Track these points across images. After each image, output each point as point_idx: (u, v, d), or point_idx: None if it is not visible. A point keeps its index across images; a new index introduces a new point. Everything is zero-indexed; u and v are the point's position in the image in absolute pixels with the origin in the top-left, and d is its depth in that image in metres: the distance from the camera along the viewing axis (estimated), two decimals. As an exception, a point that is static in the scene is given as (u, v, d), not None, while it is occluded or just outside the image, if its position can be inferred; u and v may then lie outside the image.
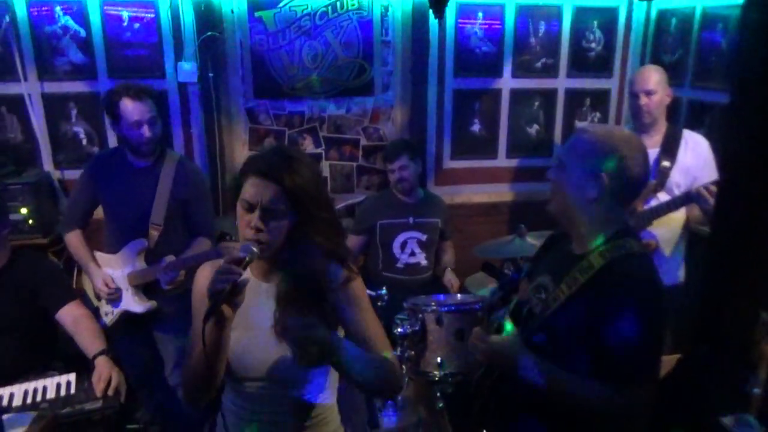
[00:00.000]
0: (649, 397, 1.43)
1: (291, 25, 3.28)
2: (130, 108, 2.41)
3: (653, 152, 2.62)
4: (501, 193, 3.72)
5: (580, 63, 3.60)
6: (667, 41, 3.38)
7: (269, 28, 3.27)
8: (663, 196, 2.55)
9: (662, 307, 1.45)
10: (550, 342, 1.55)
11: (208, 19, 3.20)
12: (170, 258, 2.52)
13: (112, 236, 2.61)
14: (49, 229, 3.11)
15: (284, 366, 1.40)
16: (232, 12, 3.24)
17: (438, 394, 2.39)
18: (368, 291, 2.49)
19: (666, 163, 2.55)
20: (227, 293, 1.25)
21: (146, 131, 2.44)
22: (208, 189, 2.76)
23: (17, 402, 2.04)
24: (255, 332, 1.44)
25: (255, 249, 1.32)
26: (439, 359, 2.37)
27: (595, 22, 3.55)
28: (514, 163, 3.72)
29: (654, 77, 2.59)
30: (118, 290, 2.56)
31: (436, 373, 2.38)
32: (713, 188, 2.34)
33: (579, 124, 3.71)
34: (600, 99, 3.70)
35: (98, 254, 2.62)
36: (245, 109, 3.41)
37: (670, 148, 2.57)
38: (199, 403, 1.46)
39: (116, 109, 2.43)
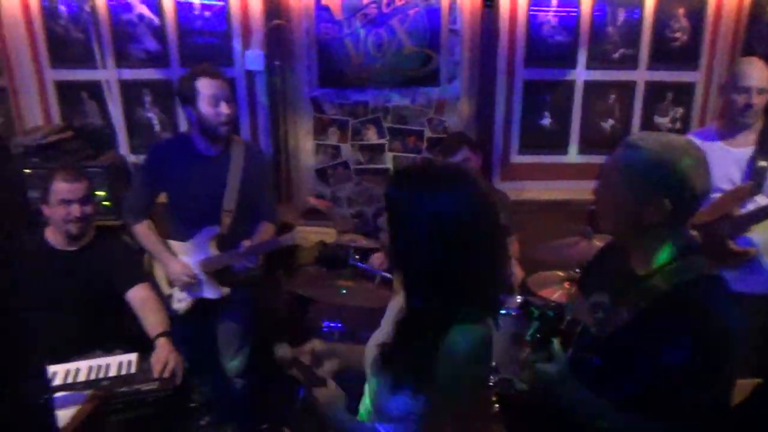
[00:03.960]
0: None
1: (357, 13, 3.24)
2: (208, 83, 2.40)
3: (747, 151, 2.41)
4: (570, 190, 3.54)
5: (663, 54, 3.35)
6: (762, 31, 3.09)
7: (336, 16, 3.25)
8: (761, 199, 2.34)
9: (736, 338, 1.29)
10: (605, 365, 1.44)
11: (275, 8, 3.20)
12: (247, 243, 2.49)
13: (180, 224, 2.61)
14: (123, 211, 3.22)
15: (374, 390, 1.40)
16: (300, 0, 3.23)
17: (493, 398, 2.31)
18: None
19: (763, 163, 2.34)
20: None
21: (224, 108, 2.42)
22: (271, 173, 2.75)
23: (82, 377, 2.12)
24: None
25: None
26: (493, 363, 2.29)
27: (681, 10, 3.30)
28: (585, 159, 3.54)
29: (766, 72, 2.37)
30: (197, 277, 2.57)
31: (490, 377, 2.30)
32: None
33: (658, 119, 3.48)
34: (683, 93, 3.44)
35: (170, 242, 2.64)
36: (310, 98, 3.41)
37: (767, 146, 2.35)
38: None
39: (192, 90, 2.41)
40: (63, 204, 2.36)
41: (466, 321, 1.25)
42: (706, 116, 3.47)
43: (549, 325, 1.47)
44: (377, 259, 2.78)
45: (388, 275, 2.56)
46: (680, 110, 3.47)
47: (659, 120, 3.48)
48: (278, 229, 2.87)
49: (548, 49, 3.32)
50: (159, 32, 3.25)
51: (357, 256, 2.45)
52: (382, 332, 1.47)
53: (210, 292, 2.60)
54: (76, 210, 2.36)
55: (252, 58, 3.27)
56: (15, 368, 1.13)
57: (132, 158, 3.45)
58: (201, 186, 2.54)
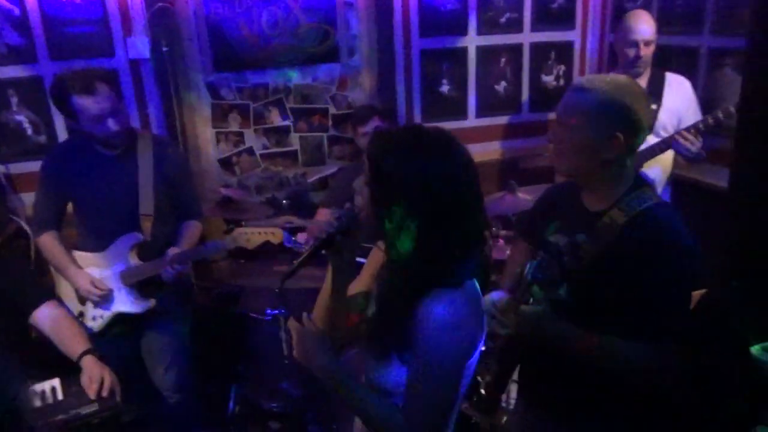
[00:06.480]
0: (683, 349, 1.41)
1: (248, -10, 3.09)
2: (85, 103, 2.11)
3: None
4: (474, 153, 3.64)
5: (544, 16, 3.57)
6: (630, -12, 3.39)
7: (224, -6, 3.07)
8: (651, 139, 2.57)
9: (696, 254, 1.42)
10: (576, 303, 1.51)
11: (157, -11, 2.97)
12: (174, 250, 2.29)
13: (91, 234, 2.36)
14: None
15: (366, 370, 1.35)
16: (183, -21, 3.02)
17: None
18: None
19: (653, 106, 2.56)
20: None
21: (112, 124, 2.16)
22: (190, 166, 2.56)
23: (2, 416, 1.87)
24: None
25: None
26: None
27: (556, -27, 3.52)
28: (484, 122, 3.68)
29: (651, 25, 2.60)
30: (109, 290, 2.34)
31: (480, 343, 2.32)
32: (688, 135, 2.41)
33: (545, 77, 3.70)
34: (564, 51, 3.69)
35: (78, 254, 2.38)
36: (205, 84, 3.21)
37: (655, 91, 2.59)
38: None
39: (69, 106, 2.14)
40: None
41: (446, 285, 1.24)
42: (585, 71, 3.75)
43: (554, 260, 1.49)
44: (304, 237, 2.72)
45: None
46: (562, 67, 3.71)
47: (545, 78, 3.71)
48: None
49: (441, 17, 3.39)
50: (21, 24, 2.88)
51: (294, 238, 2.35)
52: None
53: (131, 306, 2.37)
54: None
55: (135, 45, 3.01)
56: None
57: (2, 168, 3.06)
58: (108, 190, 2.30)
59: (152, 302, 2.38)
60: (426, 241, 1.22)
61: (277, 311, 2.38)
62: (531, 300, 1.46)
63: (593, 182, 1.52)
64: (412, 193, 1.20)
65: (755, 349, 1.57)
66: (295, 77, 3.30)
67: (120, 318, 2.38)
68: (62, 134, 3.07)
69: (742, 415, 1.51)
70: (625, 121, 1.42)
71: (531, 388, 1.77)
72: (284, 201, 3.19)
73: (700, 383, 1.49)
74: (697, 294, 1.60)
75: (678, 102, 2.59)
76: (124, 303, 2.36)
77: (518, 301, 1.46)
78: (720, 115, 2.35)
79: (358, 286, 1.48)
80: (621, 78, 1.51)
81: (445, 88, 3.55)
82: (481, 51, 3.53)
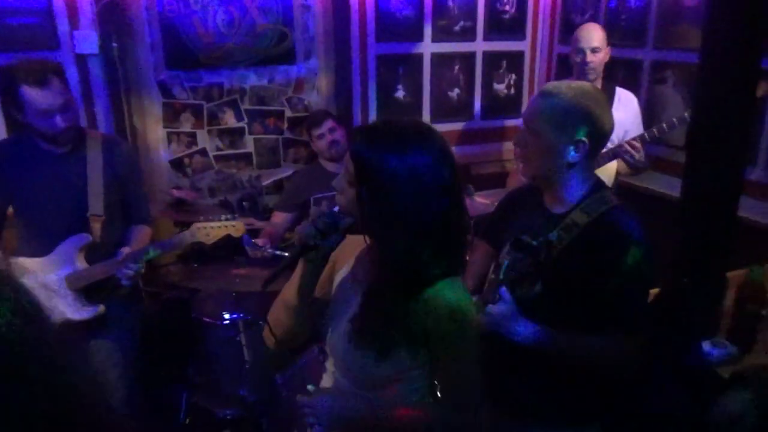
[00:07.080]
0: (643, 341, 1.49)
1: (203, -12, 3.03)
2: (35, 96, 2.00)
3: None
4: (427, 158, 3.71)
5: (496, 26, 3.67)
6: (576, 2, 3.53)
7: (178, -9, 3.00)
8: None
9: (651, 253, 1.49)
10: (543, 300, 1.56)
11: (107, -18, 2.86)
12: (126, 250, 2.20)
13: (34, 237, 2.23)
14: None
15: (356, 366, 1.34)
16: (135, -27, 2.93)
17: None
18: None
19: None
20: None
21: (60, 121, 2.06)
22: (140, 167, 2.47)
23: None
24: (338, 321, 1.40)
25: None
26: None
27: (508, -15, 3.63)
28: (438, 128, 3.68)
29: (598, 34, 2.72)
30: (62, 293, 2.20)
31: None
32: (635, 143, 2.55)
33: (496, 85, 3.80)
34: (514, 61, 3.81)
35: (20, 260, 2.21)
36: (157, 82, 3.11)
37: None
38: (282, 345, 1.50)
39: (17, 97, 2.02)
40: None
41: (446, 275, 1.28)
42: (534, 80, 3.87)
43: (530, 257, 1.53)
44: (262, 241, 2.68)
45: (283, 253, 2.47)
46: (513, 76, 3.83)
47: (497, 86, 3.80)
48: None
49: (397, 23, 3.43)
50: (-44, 13, 2.72)
51: (254, 240, 2.31)
52: (347, 312, 1.41)
53: (77, 312, 2.25)
54: None
55: (82, 40, 2.88)
56: None
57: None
58: (54, 190, 2.18)
59: (101, 308, 2.27)
60: (417, 232, 1.23)
61: (235, 315, 2.33)
62: (498, 300, 1.49)
63: (556, 185, 1.57)
64: (400, 185, 1.20)
65: (705, 344, 1.67)
66: (251, 78, 3.25)
67: (65, 326, 2.26)
68: (2, 128, 2.91)
69: (692, 402, 1.60)
70: (590, 125, 1.48)
71: (497, 388, 1.80)
72: (243, 203, 3.14)
73: (656, 375, 1.57)
74: (651, 292, 1.69)
75: (625, 115, 2.73)
76: (70, 309, 2.24)
77: (485, 301, 1.49)
78: (665, 126, 2.54)
79: (320, 282, 1.48)
80: (586, 85, 1.57)
81: (400, 93, 3.58)
82: (436, 58, 3.59)
